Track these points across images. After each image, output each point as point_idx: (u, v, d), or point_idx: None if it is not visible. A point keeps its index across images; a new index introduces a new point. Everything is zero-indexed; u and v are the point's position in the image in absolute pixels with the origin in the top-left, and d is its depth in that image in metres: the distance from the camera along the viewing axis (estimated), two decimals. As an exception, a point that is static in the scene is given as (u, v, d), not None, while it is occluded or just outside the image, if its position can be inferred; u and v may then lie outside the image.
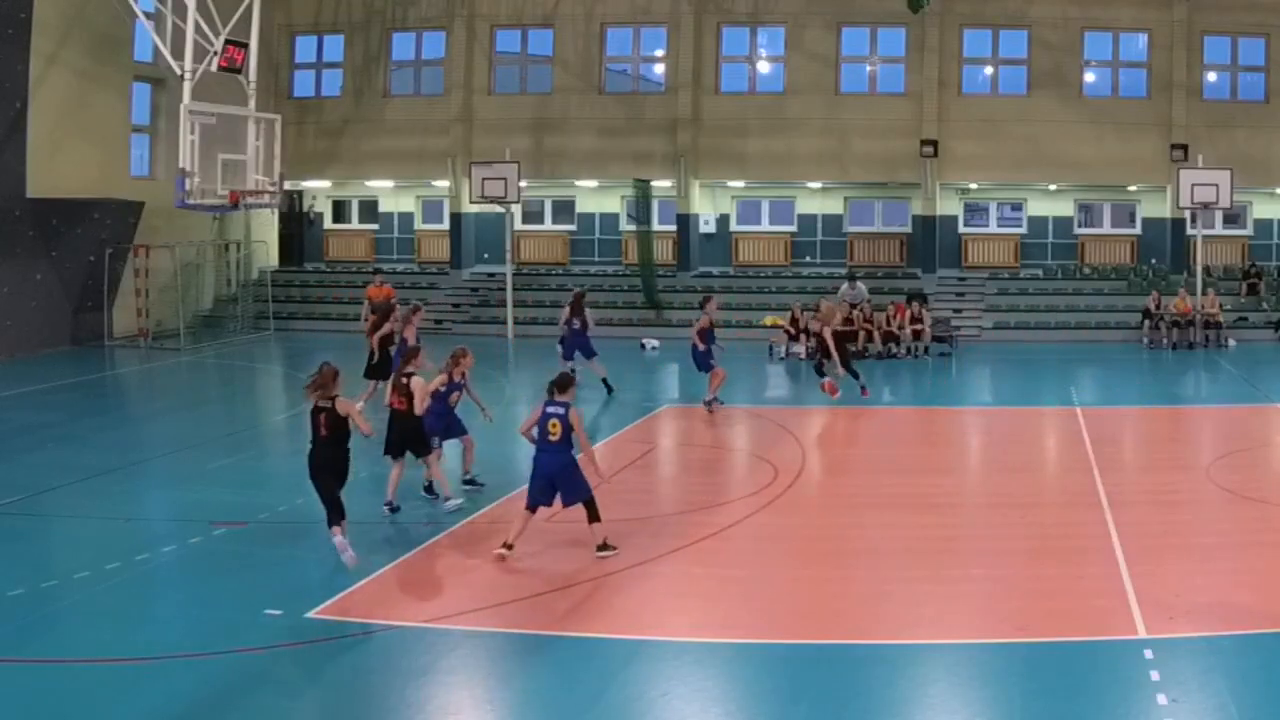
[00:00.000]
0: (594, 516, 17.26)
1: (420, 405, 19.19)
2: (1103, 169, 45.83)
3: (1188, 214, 43.28)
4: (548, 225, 52.41)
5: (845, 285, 42.27)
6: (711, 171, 48.62)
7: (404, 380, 19.56)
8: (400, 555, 17.37)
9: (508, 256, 44.95)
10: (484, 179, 44.37)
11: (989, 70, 47.67)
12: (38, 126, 38.54)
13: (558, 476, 17.16)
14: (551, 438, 17.08)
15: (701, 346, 28.86)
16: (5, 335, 38.23)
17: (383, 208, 53.64)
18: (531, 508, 17.21)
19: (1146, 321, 41.31)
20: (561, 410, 17.14)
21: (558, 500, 17.09)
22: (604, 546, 17.15)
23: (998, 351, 40.27)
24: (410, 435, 19.45)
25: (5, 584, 15.81)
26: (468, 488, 20.69)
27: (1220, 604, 14.67)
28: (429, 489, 20.41)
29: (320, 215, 53.96)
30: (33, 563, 17.10)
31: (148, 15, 35.76)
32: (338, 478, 17.00)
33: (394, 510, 19.33)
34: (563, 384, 17.49)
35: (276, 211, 48.12)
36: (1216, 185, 40.95)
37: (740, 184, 49.78)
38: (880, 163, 46.94)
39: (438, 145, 49.01)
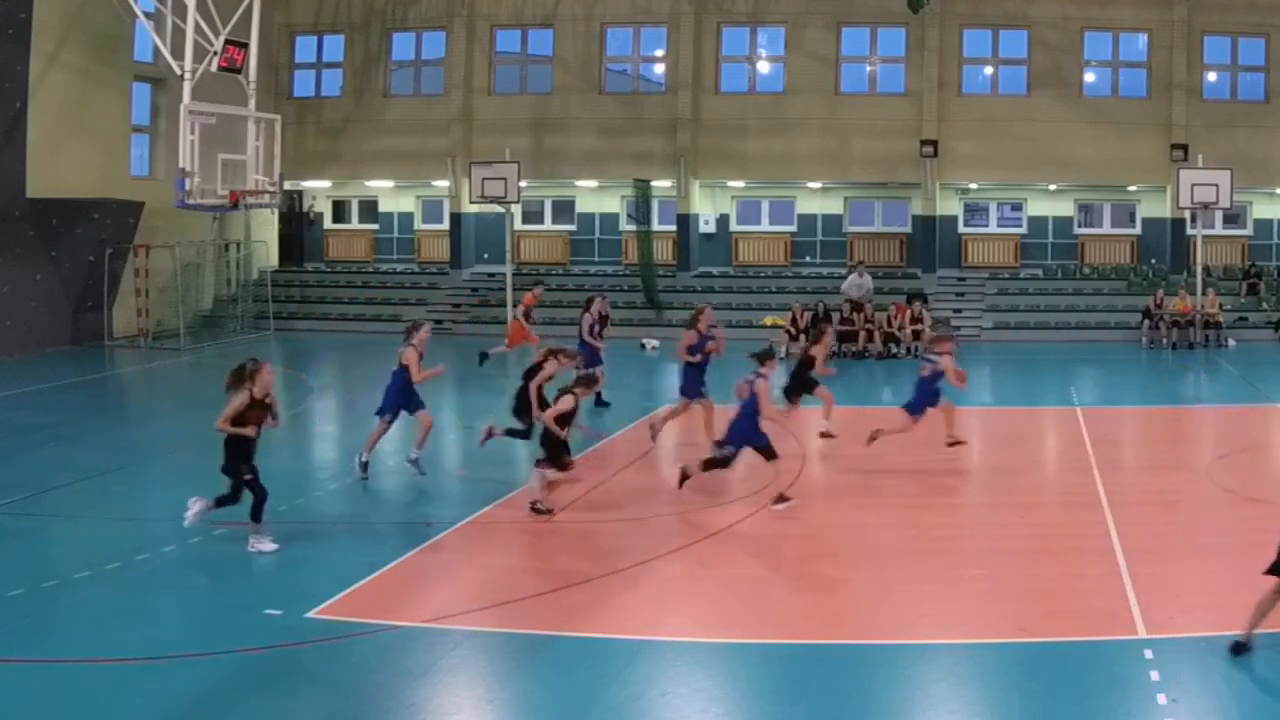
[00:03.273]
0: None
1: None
2: (1103, 169, 45.83)
3: (1188, 214, 43.29)
4: (548, 225, 52.43)
5: (852, 275, 42.26)
6: (711, 171, 48.62)
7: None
8: (400, 555, 17.29)
9: (508, 256, 44.93)
10: (484, 179, 44.31)
11: (989, 70, 47.68)
12: (38, 126, 38.56)
13: None
14: None
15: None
16: (5, 335, 38.23)
17: (383, 208, 53.65)
18: None
19: (1146, 321, 41.29)
20: None
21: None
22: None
23: (998, 351, 40.26)
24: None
25: (5, 584, 15.78)
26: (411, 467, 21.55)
27: (1220, 604, 14.60)
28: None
29: (320, 215, 53.97)
30: (33, 563, 17.06)
31: (148, 15, 35.75)
32: None
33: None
34: None
35: (276, 211, 48.16)
36: (1216, 185, 40.95)
37: (740, 184, 49.79)
38: (880, 163, 46.94)
39: (437, 145, 49.03)
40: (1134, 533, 17.82)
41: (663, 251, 48.38)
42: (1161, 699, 12.07)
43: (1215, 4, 44.90)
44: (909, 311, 39.78)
